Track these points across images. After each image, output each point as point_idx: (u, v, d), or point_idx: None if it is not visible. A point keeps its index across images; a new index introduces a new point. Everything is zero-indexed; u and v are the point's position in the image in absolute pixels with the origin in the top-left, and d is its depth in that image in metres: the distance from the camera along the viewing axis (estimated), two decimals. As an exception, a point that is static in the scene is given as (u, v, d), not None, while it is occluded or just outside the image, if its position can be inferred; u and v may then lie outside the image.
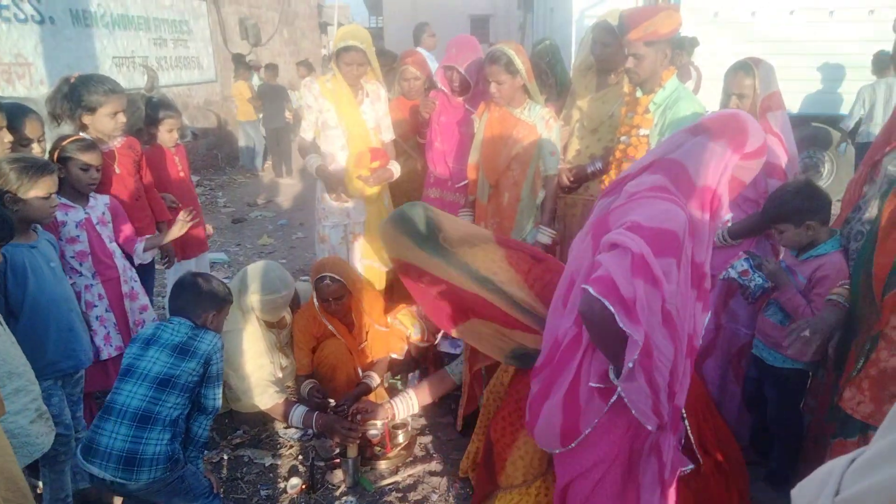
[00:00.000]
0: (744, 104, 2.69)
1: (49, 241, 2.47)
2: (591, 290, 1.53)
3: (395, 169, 3.66)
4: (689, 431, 2.12)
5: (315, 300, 3.24)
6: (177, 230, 3.18)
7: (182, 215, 3.20)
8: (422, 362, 3.64)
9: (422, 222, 2.34)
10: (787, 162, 2.68)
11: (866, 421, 1.89)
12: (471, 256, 2.27)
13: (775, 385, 2.57)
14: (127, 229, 3.03)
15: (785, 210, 2.39)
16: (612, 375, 1.64)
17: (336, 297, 3.19)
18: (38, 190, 2.27)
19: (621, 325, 1.49)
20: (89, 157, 2.74)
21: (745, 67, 2.69)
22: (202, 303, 2.30)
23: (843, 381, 1.99)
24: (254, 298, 3.13)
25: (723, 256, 2.72)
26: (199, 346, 2.20)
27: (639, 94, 2.92)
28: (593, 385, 1.67)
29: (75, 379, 2.55)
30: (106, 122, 2.98)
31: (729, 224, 2.70)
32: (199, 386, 2.22)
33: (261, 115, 9.75)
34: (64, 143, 2.72)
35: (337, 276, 3.17)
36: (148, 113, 3.58)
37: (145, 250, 3.03)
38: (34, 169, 2.26)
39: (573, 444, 1.76)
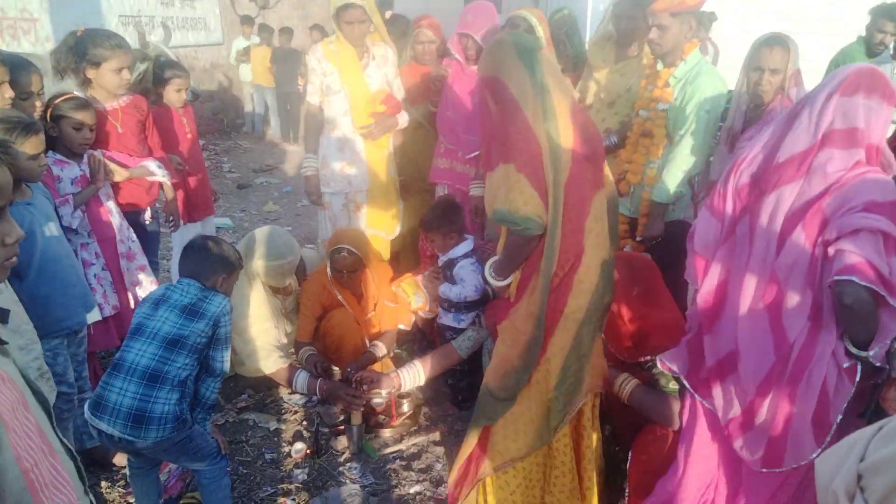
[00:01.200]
0: (775, 79, 2.59)
1: (44, 196, 2.44)
2: (856, 279, 1.56)
3: (402, 119, 3.61)
4: None
5: (328, 270, 3.21)
6: (123, 174, 2.97)
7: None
8: (428, 334, 3.63)
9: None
10: None
11: None
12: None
13: None
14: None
15: None
16: (852, 350, 1.67)
17: (351, 269, 3.16)
18: (25, 149, 2.22)
19: (894, 303, 1.57)
20: (82, 116, 2.70)
21: (781, 41, 2.57)
22: (212, 266, 2.29)
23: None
24: (259, 264, 3.11)
25: None
26: (208, 308, 2.19)
27: (659, 66, 2.85)
28: (846, 366, 1.68)
29: (79, 338, 2.55)
30: (110, 78, 2.93)
31: None
32: (207, 348, 2.22)
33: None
34: (57, 101, 2.68)
35: (354, 249, 3.14)
36: (156, 72, 3.51)
37: (75, 207, 2.71)
38: (21, 128, 2.21)
39: (827, 439, 1.71)
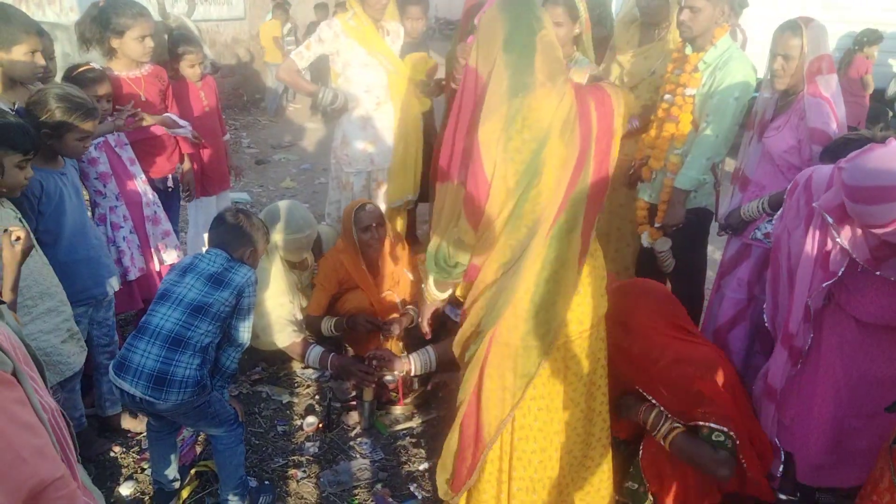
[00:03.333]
0: (789, 65, 2.53)
1: (74, 167, 2.51)
2: None
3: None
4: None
5: (355, 233, 3.15)
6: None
7: None
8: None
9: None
10: (836, 129, 2.52)
11: None
12: None
13: None
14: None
15: (847, 150, 2.26)
16: None
17: (378, 222, 3.18)
18: (75, 132, 2.30)
19: None
20: (98, 88, 2.74)
21: (794, 27, 2.52)
22: (240, 238, 2.33)
23: None
24: (277, 237, 3.12)
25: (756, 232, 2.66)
26: (233, 278, 2.23)
27: (688, 50, 2.79)
28: None
29: (107, 302, 2.61)
30: (134, 46, 2.95)
31: (769, 195, 2.61)
32: (230, 317, 2.26)
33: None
34: (74, 73, 2.72)
35: (374, 205, 3.20)
36: (169, 47, 3.52)
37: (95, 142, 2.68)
38: (82, 112, 2.29)
39: None
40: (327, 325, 3.17)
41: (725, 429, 2.03)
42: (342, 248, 3.26)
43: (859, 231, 1.90)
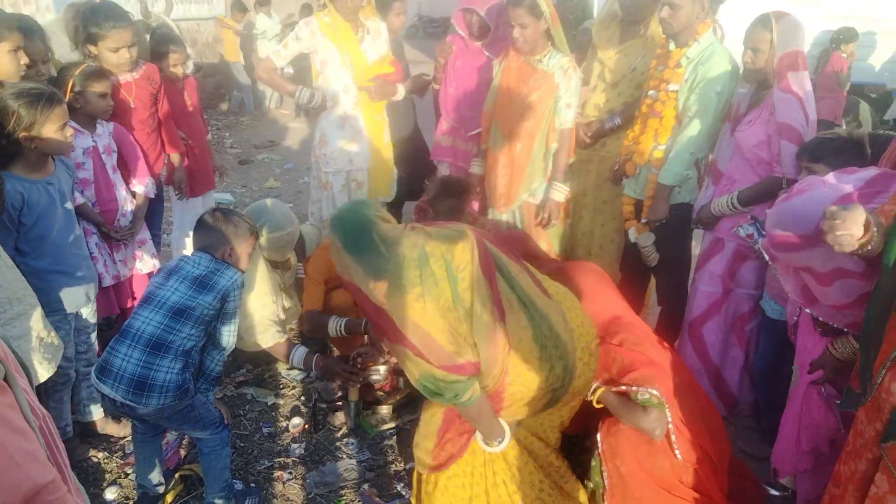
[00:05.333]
0: (758, 58, 2.53)
1: (66, 170, 2.43)
2: None
3: (400, 91, 3.62)
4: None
5: None
6: None
7: None
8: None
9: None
10: (807, 126, 2.50)
11: None
12: None
13: (770, 339, 2.61)
14: (135, 157, 2.98)
15: (824, 149, 2.28)
16: None
17: None
18: (51, 123, 2.20)
19: None
20: (106, 85, 2.71)
21: (765, 21, 2.52)
22: (218, 236, 2.29)
23: (878, 365, 1.59)
24: (260, 236, 3.09)
25: (731, 223, 2.67)
26: (218, 281, 2.19)
27: (671, 46, 2.80)
28: None
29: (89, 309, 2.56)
30: (108, 57, 2.91)
31: (738, 191, 2.63)
32: (215, 320, 2.22)
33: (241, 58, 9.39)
34: (77, 72, 2.67)
35: None
36: (152, 47, 3.48)
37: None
38: (44, 102, 2.18)
39: None
40: (335, 326, 3.00)
41: (651, 389, 2.04)
42: (328, 246, 3.24)
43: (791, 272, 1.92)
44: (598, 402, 2.16)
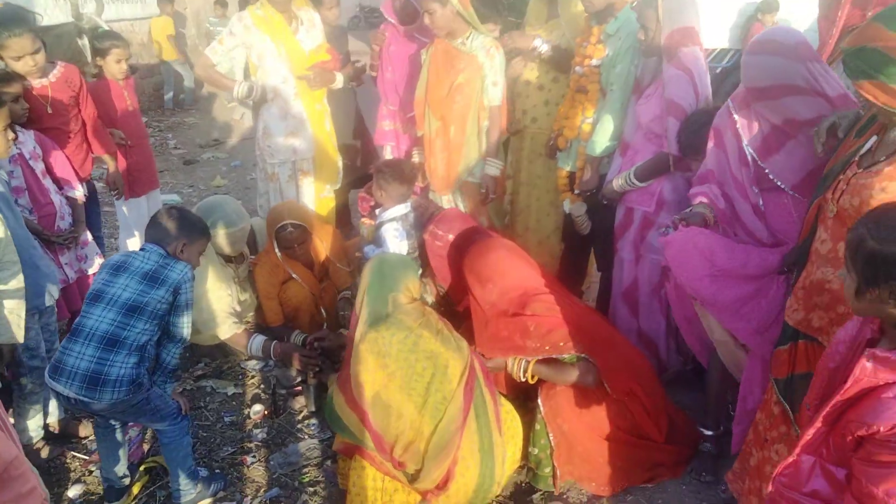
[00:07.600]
0: (647, 37, 2.59)
1: (2, 178, 2.43)
2: None
3: (339, 79, 3.68)
4: None
5: (276, 249, 3.23)
6: None
7: None
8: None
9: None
10: (698, 103, 2.57)
11: (797, 328, 1.91)
12: None
13: None
14: (61, 163, 2.98)
15: (699, 140, 2.41)
16: None
17: (299, 242, 3.21)
18: None
19: None
20: (12, 88, 2.67)
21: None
22: (173, 231, 2.30)
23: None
24: (212, 232, 3.12)
25: (636, 195, 2.80)
26: (169, 275, 2.22)
27: (593, 23, 2.94)
28: None
29: (49, 308, 2.57)
30: (12, 64, 2.84)
31: (634, 167, 2.74)
32: (168, 314, 2.25)
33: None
34: None
35: (297, 222, 3.19)
36: (94, 45, 3.44)
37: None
38: None
39: None
40: (298, 342, 3.15)
41: (573, 352, 2.26)
42: (271, 248, 3.30)
43: (756, 124, 2.11)
44: (532, 378, 2.33)
